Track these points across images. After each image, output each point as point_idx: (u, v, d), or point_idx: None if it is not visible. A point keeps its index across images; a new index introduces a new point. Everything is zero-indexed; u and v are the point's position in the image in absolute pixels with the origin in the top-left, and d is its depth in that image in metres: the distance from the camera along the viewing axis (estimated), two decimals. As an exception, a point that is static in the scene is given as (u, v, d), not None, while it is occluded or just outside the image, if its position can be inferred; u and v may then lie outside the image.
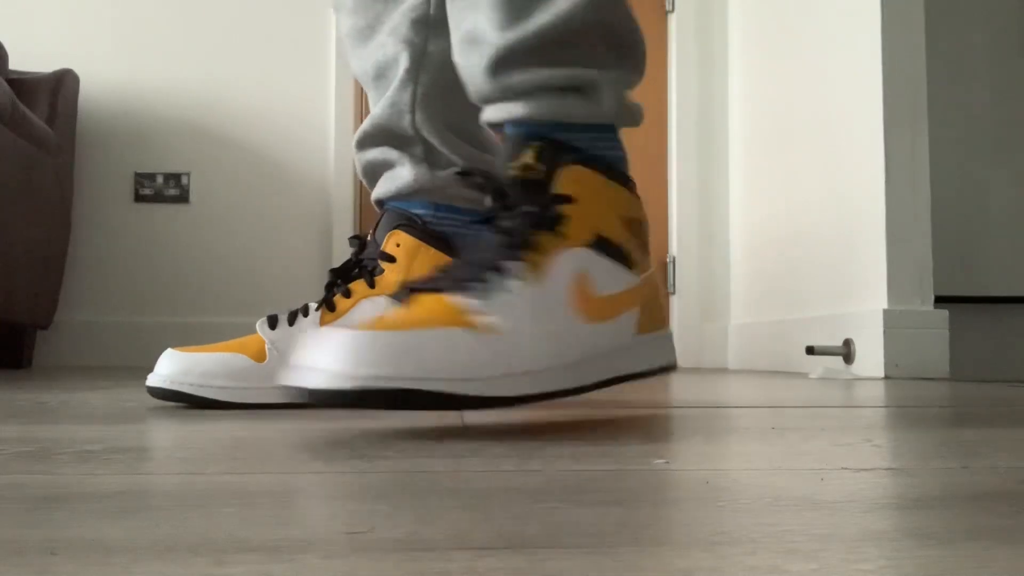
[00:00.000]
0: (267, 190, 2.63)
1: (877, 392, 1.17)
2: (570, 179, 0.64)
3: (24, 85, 2.29)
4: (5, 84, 2.00)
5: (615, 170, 0.67)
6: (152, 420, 0.68)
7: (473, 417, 0.71)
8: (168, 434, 0.58)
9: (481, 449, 0.50)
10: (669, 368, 0.70)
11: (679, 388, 1.26)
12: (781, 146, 2.34)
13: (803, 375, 1.85)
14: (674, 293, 2.71)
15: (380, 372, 0.53)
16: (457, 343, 0.56)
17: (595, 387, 0.63)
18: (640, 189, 0.72)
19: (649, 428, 0.63)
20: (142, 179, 2.60)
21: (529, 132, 0.66)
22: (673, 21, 2.76)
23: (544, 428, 0.63)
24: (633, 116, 0.71)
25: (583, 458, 0.47)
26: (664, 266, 2.73)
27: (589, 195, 0.65)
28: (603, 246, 0.64)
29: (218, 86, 2.63)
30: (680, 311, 2.70)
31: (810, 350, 1.85)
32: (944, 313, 1.73)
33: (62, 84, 2.35)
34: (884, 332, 1.71)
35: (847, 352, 1.82)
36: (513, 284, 0.60)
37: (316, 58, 2.66)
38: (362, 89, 2.69)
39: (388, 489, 0.37)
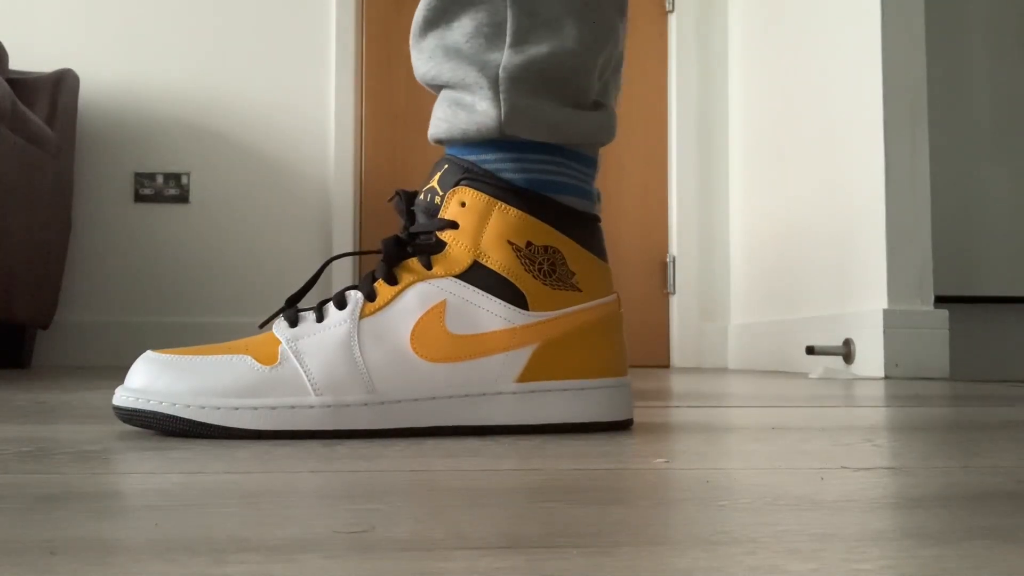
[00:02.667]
0: (267, 190, 2.63)
1: (877, 392, 1.17)
2: (457, 204, 0.59)
3: (24, 85, 2.29)
4: (5, 84, 2.00)
5: (515, 190, 0.59)
6: (152, 420, 0.68)
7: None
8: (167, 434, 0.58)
9: (481, 449, 0.50)
10: (580, 429, 0.59)
11: (679, 388, 1.26)
12: (781, 146, 2.34)
13: (803, 375, 1.85)
14: (674, 293, 2.72)
15: (144, 391, 0.55)
16: (227, 369, 0.55)
17: (422, 433, 0.56)
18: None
19: (649, 428, 0.63)
20: (142, 179, 2.60)
21: (446, 153, 0.62)
22: (673, 21, 2.76)
23: (544, 428, 0.63)
24: (542, 113, 0.60)
25: (583, 458, 0.47)
26: (664, 266, 2.73)
27: (474, 221, 0.58)
28: (478, 277, 0.58)
29: (218, 86, 2.63)
30: (680, 311, 2.70)
31: (810, 350, 1.85)
32: (944, 313, 1.73)
33: (62, 84, 2.35)
34: (884, 332, 1.71)
35: (847, 352, 1.82)
36: (338, 317, 0.57)
37: (316, 58, 2.66)
38: (362, 89, 2.69)
39: (388, 489, 0.37)
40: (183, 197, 2.60)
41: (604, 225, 0.64)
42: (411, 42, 0.64)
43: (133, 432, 0.58)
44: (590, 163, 0.63)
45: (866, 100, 1.84)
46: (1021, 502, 0.35)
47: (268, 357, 0.56)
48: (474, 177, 0.59)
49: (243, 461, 0.45)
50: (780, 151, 2.35)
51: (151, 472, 0.42)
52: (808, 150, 2.16)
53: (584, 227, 0.61)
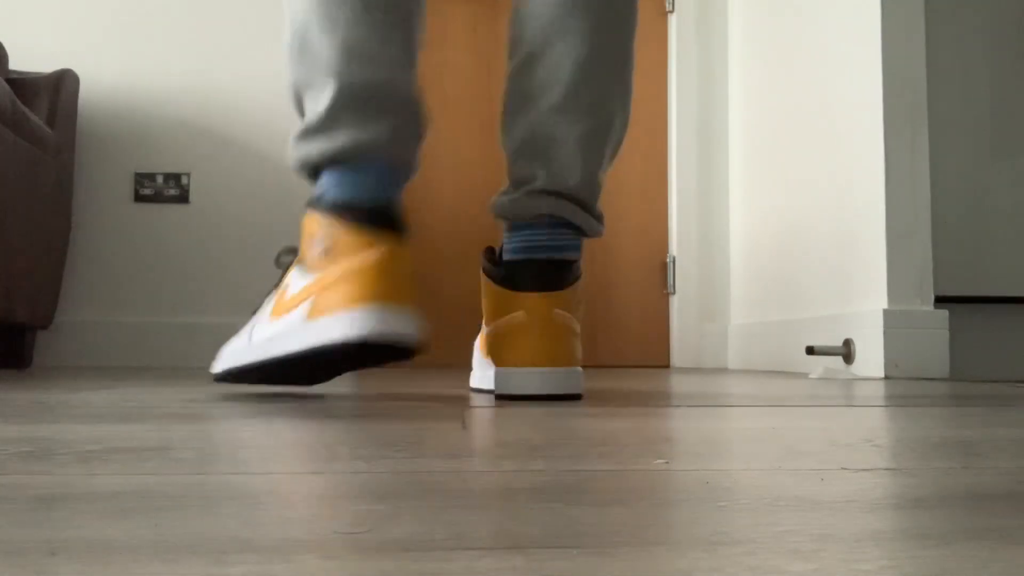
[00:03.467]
0: (267, 190, 2.63)
1: (877, 392, 1.17)
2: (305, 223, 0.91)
3: (24, 85, 2.29)
4: (5, 84, 2.00)
5: (308, 203, 0.90)
6: (152, 420, 0.68)
7: (473, 418, 0.71)
8: (168, 434, 0.58)
9: (481, 449, 0.50)
10: (337, 346, 0.82)
11: (679, 387, 1.27)
12: (781, 146, 2.34)
13: (803, 375, 1.85)
14: (674, 293, 2.72)
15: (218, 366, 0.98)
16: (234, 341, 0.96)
17: (277, 365, 0.88)
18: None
19: (649, 428, 0.63)
20: (142, 179, 2.60)
21: None
22: (673, 21, 2.76)
23: (544, 429, 0.63)
24: (304, 163, 0.93)
25: (583, 458, 0.47)
26: (664, 266, 2.73)
27: (303, 230, 0.90)
28: (298, 263, 0.89)
29: (218, 86, 2.63)
30: (680, 311, 2.70)
31: (810, 350, 1.85)
32: (944, 313, 1.73)
33: (62, 84, 2.35)
34: (884, 332, 1.71)
35: (847, 352, 1.82)
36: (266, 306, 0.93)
37: (316, 58, 2.66)
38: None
39: (388, 489, 0.37)
40: (183, 197, 2.60)
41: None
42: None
43: (133, 432, 0.58)
44: (357, 171, 0.89)
45: (866, 100, 1.84)
46: (1021, 502, 0.35)
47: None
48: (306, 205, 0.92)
49: (243, 462, 0.45)
50: (780, 151, 2.35)
51: (151, 472, 0.42)
52: (808, 150, 2.16)
53: (346, 213, 0.86)
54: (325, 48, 0.92)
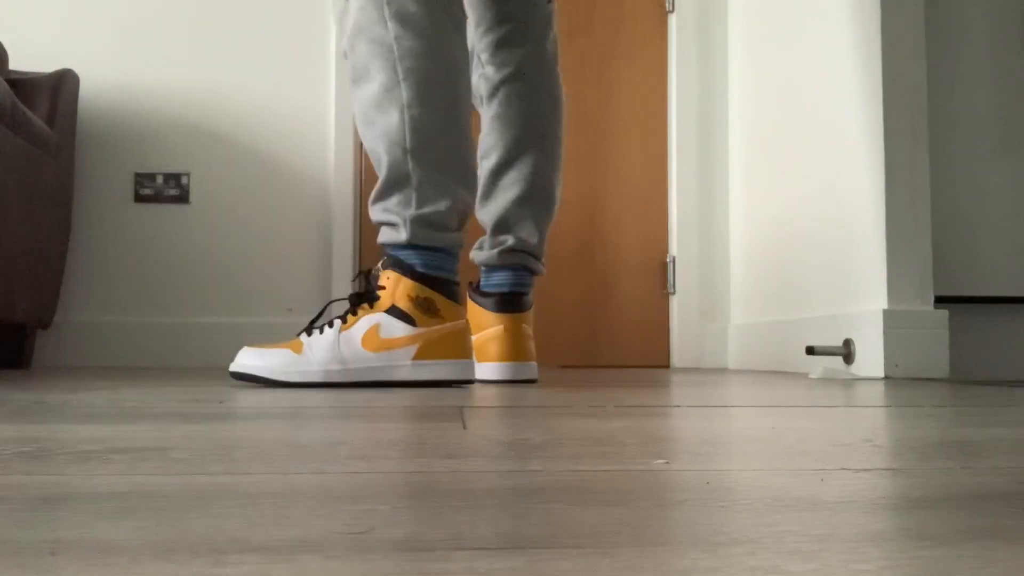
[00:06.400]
0: (267, 190, 2.63)
1: (877, 392, 1.17)
2: (385, 277, 1.23)
3: (24, 85, 2.29)
4: (5, 84, 2.00)
5: (412, 271, 1.23)
6: (152, 420, 0.68)
7: (473, 418, 0.72)
8: (168, 434, 0.58)
9: (481, 449, 0.50)
10: (445, 383, 1.23)
11: (679, 388, 1.27)
12: (781, 146, 2.34)
13: (803, 375, 1.85)
14: (674, 293, 2.71)
15: (244, 364, 1.23)
16: (279, 356, 1.22)
17: (371, 385, 1.20)
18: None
19: (649, 428, 0.63)
20: (142, 179, 2.60)
21: (386, 250, 1.27)
22: (673, 21, 2.76)
23: (544, 429, 0.63)
24: (428, 235, 1.25)
25: (583, 458, 0.47)
26: (664, 266, 2.73)
27: (392, 286, 1.23)
28: (394, 312, 1.22)
29: (218, 86, 2.63)
30: (680, 311, 2.70)
31: (810, 350, 1.85)
32: (944, 313, 1.73)
33: (62, 84, 2.35)
34: (884, 332, 1.71)
35: (847, 352, 1.82)
36: (329, 331, 1.22)
37: (316, 58, 2.66)
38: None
39: (388, 489, 0.37)
40: (183, 197, 2.60)
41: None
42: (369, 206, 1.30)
43: (133, 432, 0.58)
44: (451, 256, 1.27)
45: (866, 100, 1.84)
46: (1021, 502, 0.35)
47: (297, 350, 1.21)
48: (393, 264, 1.24)
49: (243, 462, 0.45)
50: (780, 151, 2.35)
51: (151, 472, 0.42)
52: (808, 150, 2.16)
53: (444, 286, 1.24)
54: (443, 147, 1.26)
